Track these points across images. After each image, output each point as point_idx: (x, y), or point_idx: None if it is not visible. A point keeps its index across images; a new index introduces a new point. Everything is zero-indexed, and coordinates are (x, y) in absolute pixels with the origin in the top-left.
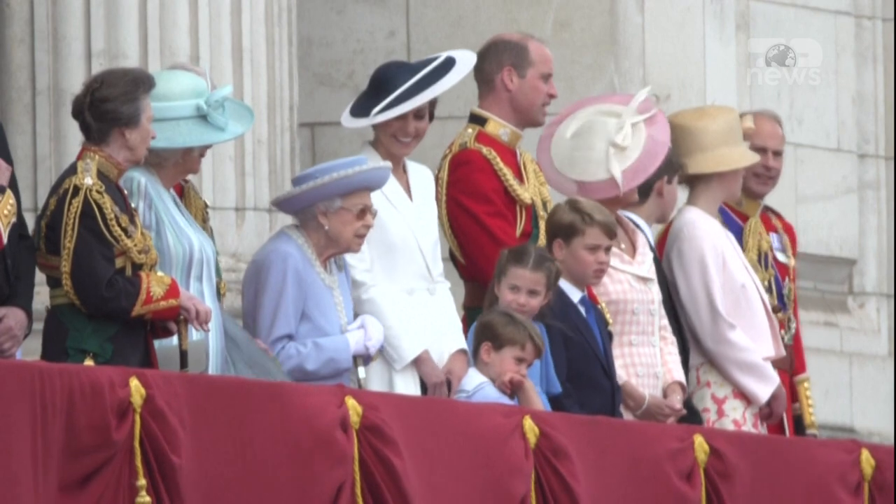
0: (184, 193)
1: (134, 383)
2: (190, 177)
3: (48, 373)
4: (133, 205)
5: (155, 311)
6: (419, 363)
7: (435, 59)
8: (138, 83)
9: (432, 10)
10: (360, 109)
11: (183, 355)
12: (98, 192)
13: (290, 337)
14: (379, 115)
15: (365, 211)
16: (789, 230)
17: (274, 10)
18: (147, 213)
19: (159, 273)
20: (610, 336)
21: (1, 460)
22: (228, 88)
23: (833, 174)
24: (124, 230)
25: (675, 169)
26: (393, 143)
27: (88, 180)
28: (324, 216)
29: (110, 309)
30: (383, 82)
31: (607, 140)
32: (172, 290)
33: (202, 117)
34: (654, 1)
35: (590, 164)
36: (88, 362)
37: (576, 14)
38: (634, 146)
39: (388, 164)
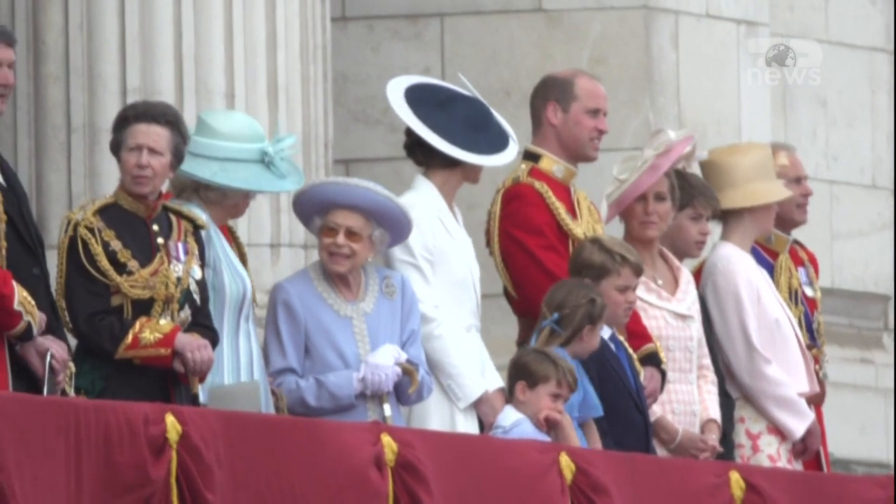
0: (231, 236)
1: (170, 419)
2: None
3: (83, 409)
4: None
5: (143, 357)
6: (479, 402)
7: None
8: (128, 111)
9: (467, 47)
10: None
11: (194, 399)
12: (87, 227)
13: (291, 370)
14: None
15: (334, 230)
16: (813, 260)
17: (309, 47)
18: (207, 249)
19: (162, 321)
20: (663, 375)
21: (36, 497)
22: (293, 138)
23: (868, 211)
24: (121, 265)
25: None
26: (478, 170)
27: (80, 214)
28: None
29: (91, 346)
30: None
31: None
32: (167, 339)
33: (265, 163)
34: (689, 37)
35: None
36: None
37: (611, 50)
38: (631, 178)
39: (359, 181)
